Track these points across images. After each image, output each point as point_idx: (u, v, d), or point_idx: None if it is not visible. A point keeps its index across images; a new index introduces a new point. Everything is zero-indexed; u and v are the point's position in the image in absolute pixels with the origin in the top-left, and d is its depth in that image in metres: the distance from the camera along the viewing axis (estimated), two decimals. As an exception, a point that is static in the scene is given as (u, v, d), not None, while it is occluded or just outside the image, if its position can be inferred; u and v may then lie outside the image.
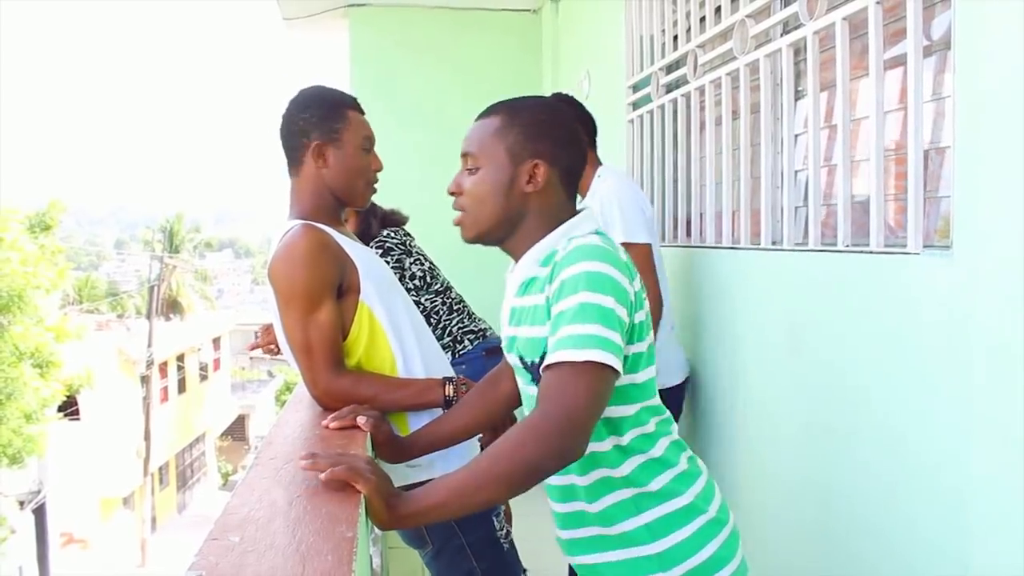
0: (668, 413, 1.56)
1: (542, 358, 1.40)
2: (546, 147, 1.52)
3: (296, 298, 1.88)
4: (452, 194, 1.59)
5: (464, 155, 1.57)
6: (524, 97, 1.61)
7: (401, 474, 2.05)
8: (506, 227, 1.53)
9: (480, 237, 1.57)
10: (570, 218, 1.54)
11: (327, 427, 1.74)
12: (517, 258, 1.57)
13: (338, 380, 1.91)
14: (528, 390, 1.55)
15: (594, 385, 1.31)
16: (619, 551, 1.48)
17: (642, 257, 2.65)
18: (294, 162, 2.03)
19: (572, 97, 2.92)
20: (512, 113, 1.55)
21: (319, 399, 1.94)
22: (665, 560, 1.44)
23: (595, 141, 2.90)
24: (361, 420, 1.73)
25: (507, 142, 1.51)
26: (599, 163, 2.88)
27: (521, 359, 1.52)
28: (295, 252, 1.88)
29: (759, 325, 2.49)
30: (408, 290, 3.17)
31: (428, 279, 3.45)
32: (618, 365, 1.32)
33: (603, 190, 2.76)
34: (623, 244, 2.55)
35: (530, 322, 1.48)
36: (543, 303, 1.42)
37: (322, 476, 1.32)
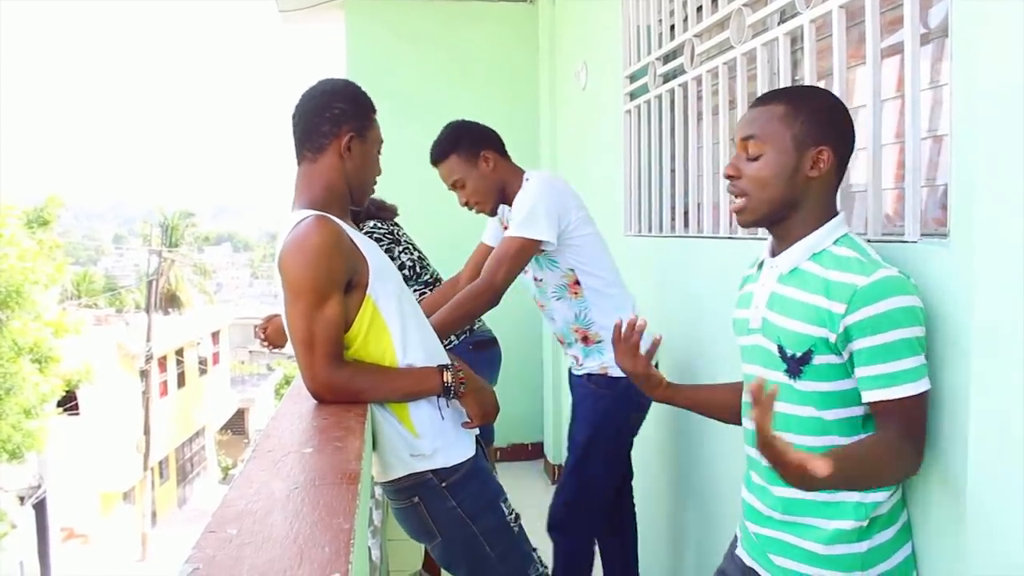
0: None
1: (807, 353, 1.55)
2: (833, 134, 1.59)
3: (304, 292, 1.88)
4: (729, 177, 1.65)
5: (744, 139, 1.63)
6: (803, 86, 1.70)
7: (405, 464, 2.07)
8: (785, 211, 1.61)
9: (759, 220, 1.65)
10: (834, 209, 1.63)
11: None
12: (785, 242, 1.64)
13: (337, 373, 1.92)
14: (771, 375, 1.64)
15: (926, 411, 1.52)
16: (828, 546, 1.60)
17: (515, 250, 2.67)
18: (317, 148, 2.02)
19: (464, 121, 2.93)
20: (797, 100, 1.61)
21: (316, 391, 1.94)
22: (867, 560, 1.58)
23: (506, 151, 2.93)
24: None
25: (794, 129, 1.58)
26: (522, 171, 2.90)
27: (780, 348, 1.60)
28: (307, 245, 1.87)
29: (757, 315, 2.49)
30: None
31: (417, 269, 3.46)
32: None
33: (528, 189, 2.78)
34: (513, 236, 2.68)
35: (798, 317, 1.56)
36: (823, 308, 1.52)
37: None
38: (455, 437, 2.11)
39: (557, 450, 5.60)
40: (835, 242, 1.57)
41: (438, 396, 2.05)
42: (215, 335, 28.79)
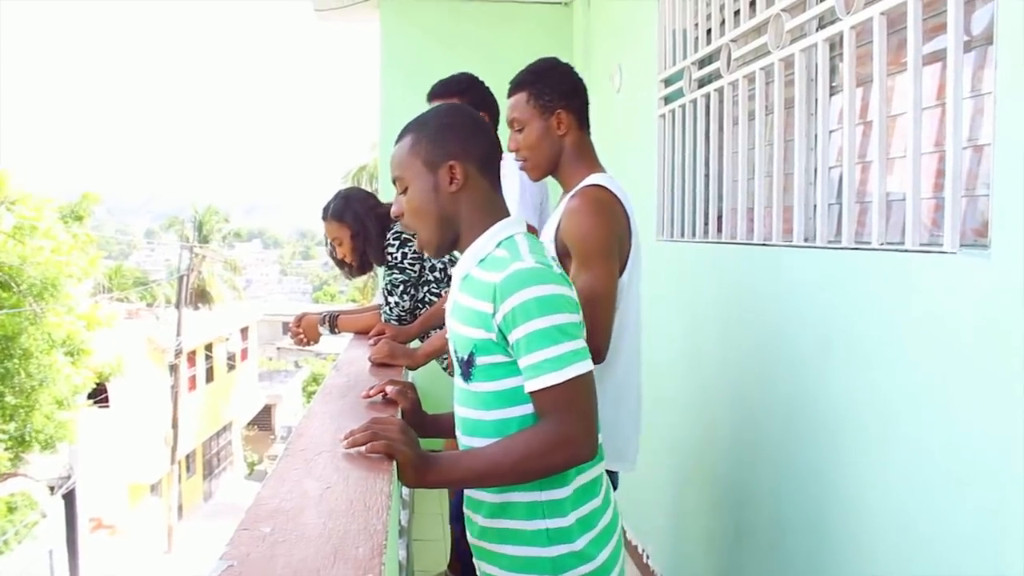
0: None
1: (470, 355, 1.60)
2: (456, 148, 1.66)
3: None
4: (396, 217, 1.73)
5: (393, 181, 1.72)
6: (427, 111, 1.75)
7: None
8: (450, 230, 1.68)
9: (438, 247, 1.71)
10: (500, 210, 1.69)
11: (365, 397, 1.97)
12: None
13: None
14: (457, 382, 1.70)
15: (584, 394, 1.52)
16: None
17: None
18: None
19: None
20: (418, 127, 1.70)
21: None
22: (557, 565, 1.59)
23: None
24: (390, 389, 1.91)
25: (421, 155, 1.66)
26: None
27: (455, 352, 1.67)
28: None
29: (789, 323, 2.47)
30: (429, 281, 3.18)
31: (450, 271, 3.46)
32: (592, 365, 1.53)
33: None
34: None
35: (464, 321, 1.62)
36: (479, 311, 1.56)
37: (363, 450, 1.50)
38: None
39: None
40: (498, 244, 1.63)
41: None
42: (244, 331, 28.98)
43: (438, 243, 1.70)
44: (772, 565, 2.58)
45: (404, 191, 1.69)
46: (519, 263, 1.54)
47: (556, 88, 2.30)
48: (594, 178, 2.22)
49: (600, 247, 2.09)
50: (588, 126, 2.33)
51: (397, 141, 1.72)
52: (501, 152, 1.76)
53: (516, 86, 2.34)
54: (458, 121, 1.71)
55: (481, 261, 1.63)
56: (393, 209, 1.73)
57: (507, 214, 1.70)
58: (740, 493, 2.84)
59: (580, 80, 2.36)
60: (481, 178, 1.68)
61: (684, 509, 3.45)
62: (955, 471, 1.70)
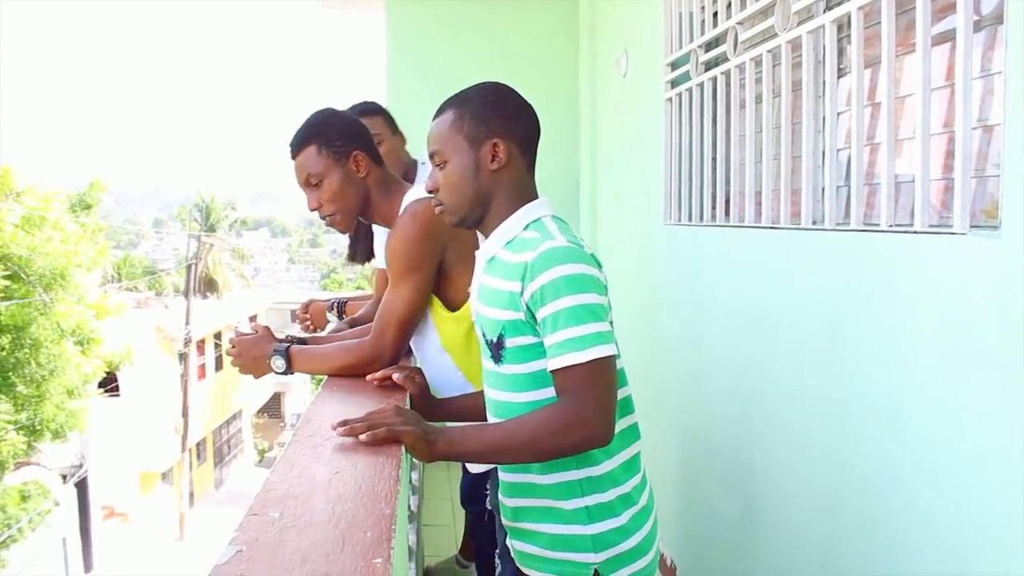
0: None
1: (499, 337, 1.61)
2: (500, 126, 1.66)
3: None
4: (431, 192, 1.74)
5: (431, 155, 1.71)
6: (469, 87, 1.73)
7: None
8: (481, 207, 1.68)
9: (463, 221, 1.72)
10: (532, 193, 1.71)
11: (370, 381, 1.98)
12: (488, 234, 1.71)
13: None
14: (487, 364, 1.71)
15: (604, 377, 1.49)
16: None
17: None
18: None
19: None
20: (460, 103, 1.70)
21: None
22: (598, 543, 1.60)
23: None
24: (396, 376, 1.92)
25: (464, 131, 1.66)
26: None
27: (483, 335, 1.68)
28: None
29: (798, 305, 2.46)
30: None
31: None
32: (616, 350, 1.53)
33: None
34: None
35: (492, 303, 1.63)
36: (507, 291, 1.58)
37: (362, 438, 1.49)
38: None
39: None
40: (526, 227, 1.64)
41: None
42: (253, 319, 29.05)
43: (464, 216, 1.71)
44: (781, 547, 2.58)
45: (441, 165, 1.69)
46: (551, 241, 1.55)
47: (344, 132, 2.24)
48: (411, 195, 2.22)
49: (408, 263, 2.12)
50: (382, 159, 2.32)
51: (436, 116, 1.72)
52: (540, 134, 1.75)
53: (302, 142, 2.24)
54: (502, 99, 1.71)
55: (508, 243, 1.64)
56: (427, 183, 1.73)
57: (536, 197, 1.70)
58: (748, 476, 2.84)
59: (361, 122, 2.37)
60: (520, 159, 1.69)
61: (692, 492, 3.46)
62: (965, 453, 1.70)
